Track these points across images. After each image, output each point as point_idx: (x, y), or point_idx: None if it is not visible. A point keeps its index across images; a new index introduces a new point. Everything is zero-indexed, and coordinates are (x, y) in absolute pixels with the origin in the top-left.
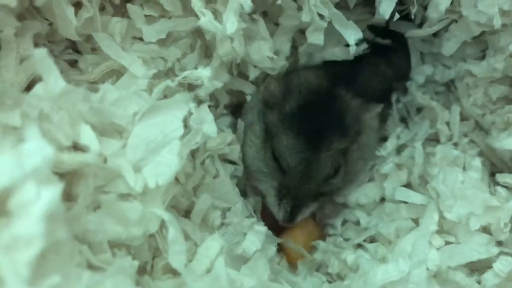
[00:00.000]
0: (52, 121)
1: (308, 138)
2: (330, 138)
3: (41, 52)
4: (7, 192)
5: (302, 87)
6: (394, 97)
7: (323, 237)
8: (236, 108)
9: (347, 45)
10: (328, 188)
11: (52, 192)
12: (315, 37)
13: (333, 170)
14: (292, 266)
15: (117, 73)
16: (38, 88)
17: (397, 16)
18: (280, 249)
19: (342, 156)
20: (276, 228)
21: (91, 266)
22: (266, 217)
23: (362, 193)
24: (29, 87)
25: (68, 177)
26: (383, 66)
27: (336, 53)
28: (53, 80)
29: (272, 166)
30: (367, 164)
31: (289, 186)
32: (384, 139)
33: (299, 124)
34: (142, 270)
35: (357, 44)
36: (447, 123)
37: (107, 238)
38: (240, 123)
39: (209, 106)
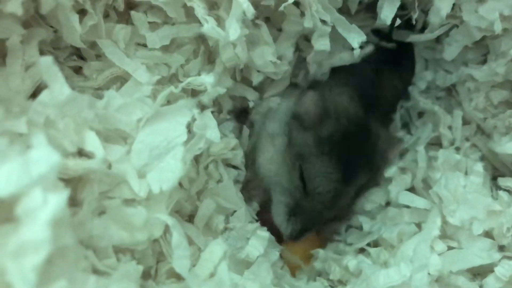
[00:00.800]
0: (58, 128)
1: (342, 170)
2: (360, 173)
3: (47, 60)
4: (14, 199)
5: (339, 112)
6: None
7: (323, 246)
8: (239, 113)
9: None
10: (340, 213)
11: (58, 198)
12: (321, 43)
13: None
14: (291, 275)
15: (121, 79)
16: (44, 95)
17: (398, 21)
18: (281, 256)
19: None
20: (274, 227)
21: (96, 271)
22: (266, 215)
23: (368, 199)
24: (34, 94)
25: (73, 183)
26: (396, 80)
27: (344, 58)
28: (59, 88)
29: (295, 185)
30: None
31: (308, 208)
32: None
33: (337, 153)
34: (146, 275)
35: (361, 47)
36: (449, 127)
37: (111, 243)
38: (246, 130)
39: (212, 112)
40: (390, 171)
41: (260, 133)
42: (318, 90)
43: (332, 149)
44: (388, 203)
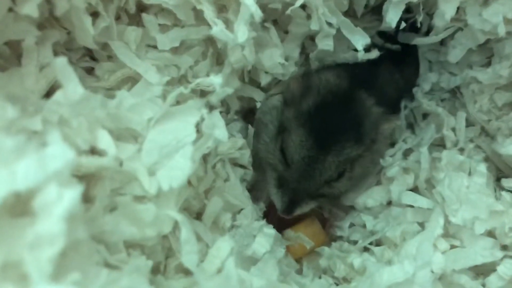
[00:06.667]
0: (71, 126)
1: (318, 138)
2: (343, 143)
3: (62, 61)
4: (31, 193)
5: (321, 86)
6: (402, 104)
7: (328, 240)
8: (246, 114)
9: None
10: (330, 190)
11: (72, 194)
12: (325, 43)
13: (337, 174)
14: (296, 261)
15: (132, 80)
16: (58, 95)
17: (403, 24)
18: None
19: (349, 162)
20: (281, 224)
21: (108, 265)
22: (272, 213)
23: (369, 196)
24: (48, 94)
25: (86, 180)
26: (397, 75)
27: (347, 58)
28: (73, 87)
29: (277, 158)
30: (375, 169)
31: (290, 179)
32: (391, 144)
33: (313, 122)
34: (155, 270)
35: (366, 50)
36: (453, 129)
37: (122, 239)
38: (251, 130)
39: (221, 112)
40: (392, 171)
41: (258, 126)
42: (306, 75)
43: (308, 117)
44: (389, 203)
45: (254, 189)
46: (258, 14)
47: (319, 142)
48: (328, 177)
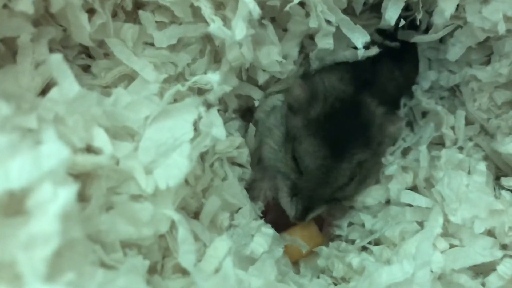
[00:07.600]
0: (67, 124)
1: (331, 146)
2: (353, 149)
3: (57, 58)
4: (25, 192)
5: (327, 92)
6: (401, 102)
7: (325, 242)
8: (244, 112)
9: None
10: (341, 194)
11: (68, 192)
12: (325, 42)
13: (350, 179)
14: (293, 264)
15: (129, 77)
16: (53, 92)
17: (402, 22)
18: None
19: (359, 166)
20: (278, 224)
21: (104, 265)
22: (269, 212)
23: (368, 195)
24: (43, 92)
25: (82, 178)
26: (397, 73)
27: (347, 56)
28: (68, 85)
29: (290, 166)
30: (379, 169)
31: (304, 187)
32: None
33: (324, 130)
34: (152, 270)
35: (366, 47)
36: (452, 127)
37: (119, 238)
38: (252, 128)
39: (218, 110)
40: (391, 169)
41: (263, 130)
42: (308, 78)
43: (318, 126)
44: (388, 202)
45: (252, 188)
46: (256, 11)
47: (332, 150)
48: (342, 183)
